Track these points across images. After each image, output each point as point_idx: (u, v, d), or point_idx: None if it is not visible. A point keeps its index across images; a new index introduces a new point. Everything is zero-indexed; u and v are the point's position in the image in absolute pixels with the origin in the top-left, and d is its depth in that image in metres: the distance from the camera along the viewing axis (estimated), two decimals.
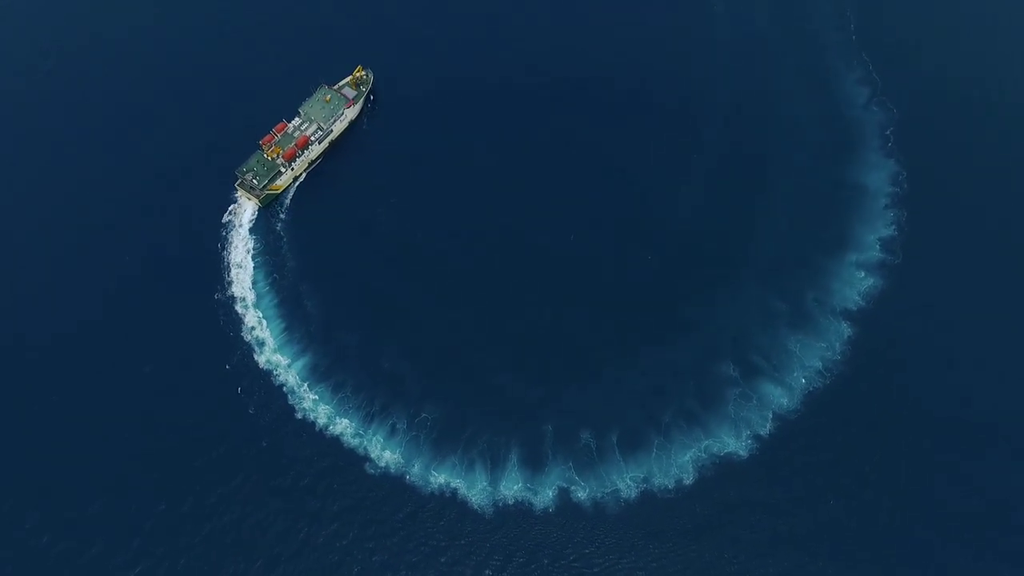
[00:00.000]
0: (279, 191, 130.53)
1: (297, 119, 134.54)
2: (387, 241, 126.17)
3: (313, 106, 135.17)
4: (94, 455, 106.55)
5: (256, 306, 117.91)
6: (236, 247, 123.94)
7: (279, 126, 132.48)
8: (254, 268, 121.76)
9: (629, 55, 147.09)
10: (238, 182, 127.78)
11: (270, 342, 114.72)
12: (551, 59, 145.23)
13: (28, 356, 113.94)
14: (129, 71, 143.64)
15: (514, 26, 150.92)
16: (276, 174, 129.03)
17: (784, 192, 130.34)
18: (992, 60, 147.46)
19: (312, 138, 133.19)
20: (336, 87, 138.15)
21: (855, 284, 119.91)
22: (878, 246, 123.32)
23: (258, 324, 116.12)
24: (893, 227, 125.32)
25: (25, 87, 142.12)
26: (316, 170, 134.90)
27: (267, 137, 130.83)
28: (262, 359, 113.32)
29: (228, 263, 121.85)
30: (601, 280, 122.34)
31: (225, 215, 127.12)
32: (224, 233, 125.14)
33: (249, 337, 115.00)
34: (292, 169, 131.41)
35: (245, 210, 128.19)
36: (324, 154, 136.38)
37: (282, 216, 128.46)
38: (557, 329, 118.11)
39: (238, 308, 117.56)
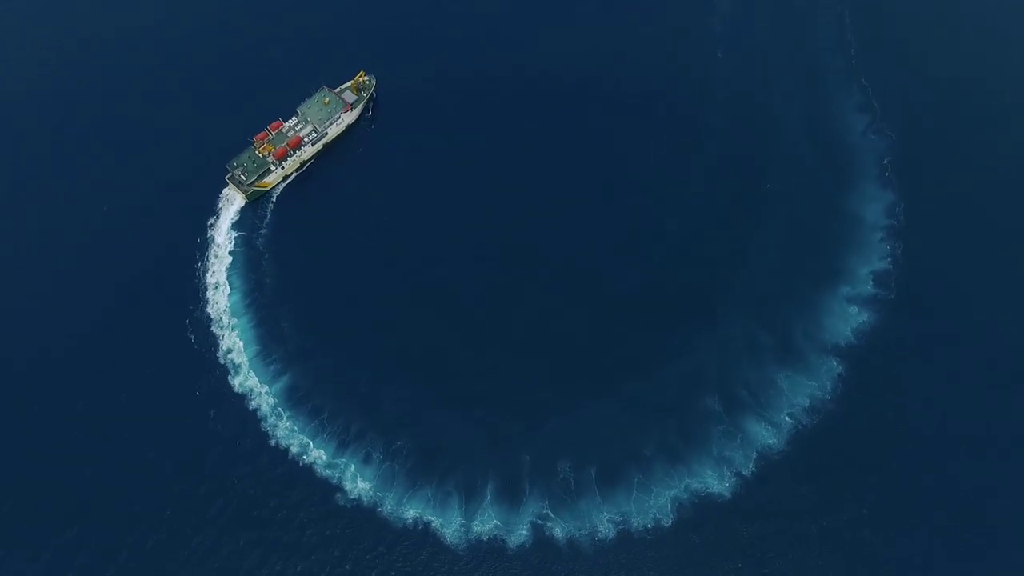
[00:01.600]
0: (267, 188, 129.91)
1: (293, 119, 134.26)
2: (371, 256, 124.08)
3: (311, 107, 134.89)
4: (64, 482, 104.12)
5: (233, 327, 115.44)
6: (215, 262, 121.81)
7: (274, 124, 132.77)
8: (231, 287, 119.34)
9: (628, 74, 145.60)
10: (228, 175, 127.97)
11: (245, 365, 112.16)
12: (551, 77, 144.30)
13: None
14: (137, 65, 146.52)
15: (521, 41, 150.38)
16: (265, 171, 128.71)
17: (777, 221, 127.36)
18: (996, 87, 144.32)
19: (305, 139, 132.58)
20: (337, 90, 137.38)
21: (847, 319, 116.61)
22: (871, 280, 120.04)
23: (234, 346, 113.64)
24: (888, 260, 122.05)
25: (26, 85, 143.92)
26: (307, 172, 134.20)
27: (261, 134, 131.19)
28: (236, 382, 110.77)
29: (206, 282, 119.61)
30: (587, 306, 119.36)
31: (210, 219, 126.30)
32: (205, 248, 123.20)
33: (224, 360, 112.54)
34: (282, 168, 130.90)
35: (231, 205, 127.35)
36: (317, 156, 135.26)
37: (263, 230, 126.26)
38: (540, 355, 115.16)
39: (214, 329, 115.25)
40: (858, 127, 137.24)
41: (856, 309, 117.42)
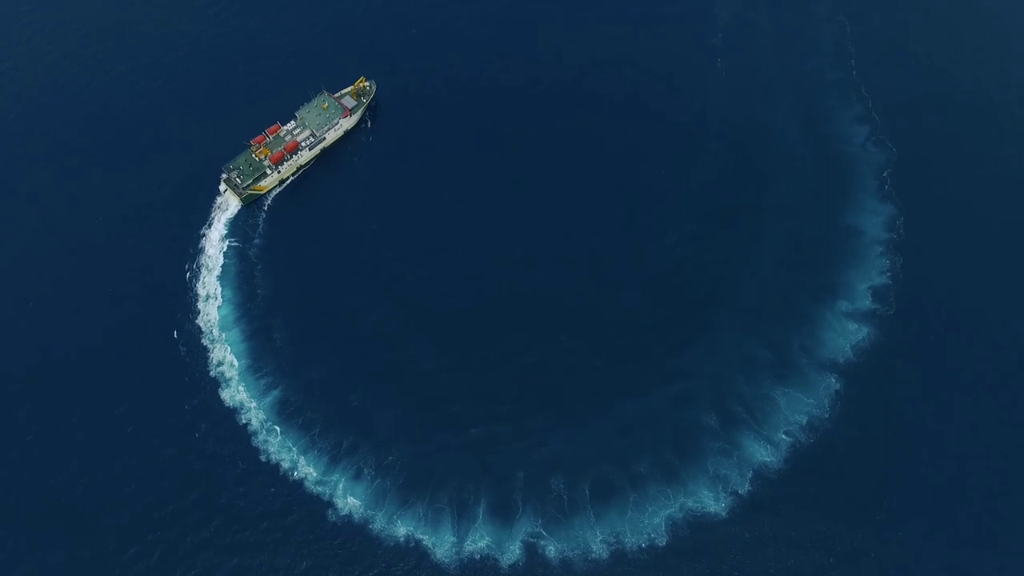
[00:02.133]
0: (262, 192, 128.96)
1: (292, 123, 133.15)
2: (365, 267, 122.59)
3: (310, 112, 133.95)
4: (52, 500, 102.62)
5: (224, 339, 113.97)
6: (206, 272, 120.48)
7: (272, 127, 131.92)
8: (223, 298, 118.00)
9: (627, 84, 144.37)
10: (224, 177, 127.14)
11: (236, 378, 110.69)
12: (551, 86, 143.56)
13: None
14: (137, 64, 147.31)
15: (522, 52, 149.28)
16: (261, 175, 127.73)
17: (774, 234, 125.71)
18: (999, 98, 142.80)
19: (302, 144, 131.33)
20: (337, 95, 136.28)
21: (846, 335, 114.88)
22: (871, 295, 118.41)
23: (224, 359, 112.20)
24: (888, 275, 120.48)
25: (22, 88, 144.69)
26: (304, 176, 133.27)
27: (258, 137, 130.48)
28: (227, 396, 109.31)
29: (197, 292, 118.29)
30: (583, 320, 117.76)
31: (203, 227, 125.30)
32: (197, 258, 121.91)
33: (214, 372, 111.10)
34: (278, 172, 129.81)
35: (225, 213, 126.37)
36: (314, 161, 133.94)
37: (256, 240, 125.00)
38: (535, 369, 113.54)
39: (204, 341, 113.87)
40: (858, 139, 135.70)
41: (855, 325, 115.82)
